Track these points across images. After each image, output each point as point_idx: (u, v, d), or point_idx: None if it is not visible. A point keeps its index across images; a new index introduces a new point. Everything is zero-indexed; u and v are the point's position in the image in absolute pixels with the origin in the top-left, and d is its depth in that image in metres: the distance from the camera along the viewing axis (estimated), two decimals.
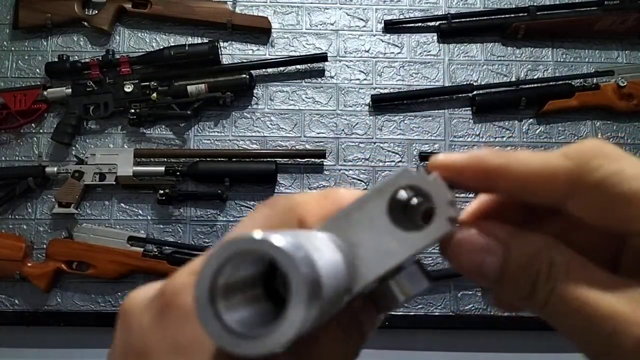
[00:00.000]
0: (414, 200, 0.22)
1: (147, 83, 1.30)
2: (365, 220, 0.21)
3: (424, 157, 1.31)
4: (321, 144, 1.32)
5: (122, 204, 1.29)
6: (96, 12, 1.35)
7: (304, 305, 0.16)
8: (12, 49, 1.35)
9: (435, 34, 1.38)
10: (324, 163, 1.31)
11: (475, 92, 1.33)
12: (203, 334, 0.19)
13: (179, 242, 1.27)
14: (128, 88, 1.29)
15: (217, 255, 0.17)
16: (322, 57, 1.32)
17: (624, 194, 0.19)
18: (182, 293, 0.20)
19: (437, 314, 1.26)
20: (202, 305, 0.17)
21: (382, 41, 1.37)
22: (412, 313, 1.25)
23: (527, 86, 1.34)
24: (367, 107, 1.34)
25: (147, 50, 1.34)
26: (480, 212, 0.24)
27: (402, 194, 0.22)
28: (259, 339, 0.16)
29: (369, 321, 0.23)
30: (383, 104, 1.34)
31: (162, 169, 1.26)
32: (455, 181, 0.22)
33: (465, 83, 1.35)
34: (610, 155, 0.20)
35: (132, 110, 1.28)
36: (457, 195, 0.22)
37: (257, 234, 0.17)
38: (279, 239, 0.16)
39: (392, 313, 1.24)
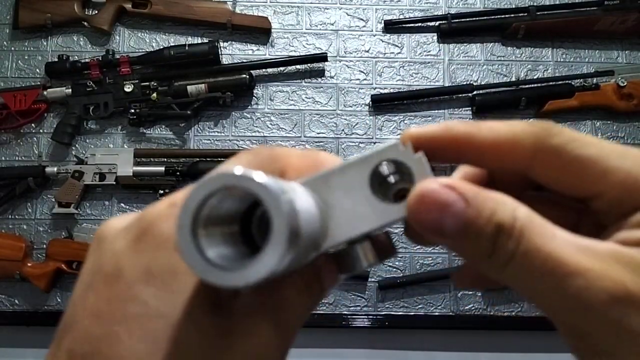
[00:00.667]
0: (395, 175, 0.23)
1: (147, 83, 1.30)
2: (345, 184, 0.22)
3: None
4: (321, 144, 1.32)
5: (122, 204, 1.29)
6: (96, 12, 1.35)
7: (283, 246, 0.16)
8: (12, 49, 1.35)
9: (435, 34, 1.38)
10: None
11: (475, 92, 1.33)
12: (176, 264, 0.19)
13: None
14: (128, 88, 1.29)
15: (203, 186, 0.17)
16: (322, 57, 1.32)
17: (581, 157, 0.20)
18: (160, 222, 0.20)
19: (437, 314, 1.26)
20: (184, 234, 0.17)
21: (382, 41, 1.37)
22: (412, 313, 1.25)
23: (527, 86, 1.34)
24: (367, 107, 1.34)
25: (147, 50, 1.34)
26: None
27: (385, 166, 0.22)
28: (235, 271, 0.17)
29: (329, 278, 0.23)
30: (383, 104, 1.34)
31: (162, 169, 1.26)
32: (431, 153, 0.22)
33: (465, 83, 1.35)
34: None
35: (132, 110, 1.28)
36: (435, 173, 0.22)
37: (248, 171, 0.17)
38: (267, 179, 0.17)
39: (392, 313, 1.24)
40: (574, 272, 0.18)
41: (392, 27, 1.37)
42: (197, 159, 1.28)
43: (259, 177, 0.17)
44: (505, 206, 0.19)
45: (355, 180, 0.22)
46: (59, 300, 1.25)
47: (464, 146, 0.22)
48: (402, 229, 0.25)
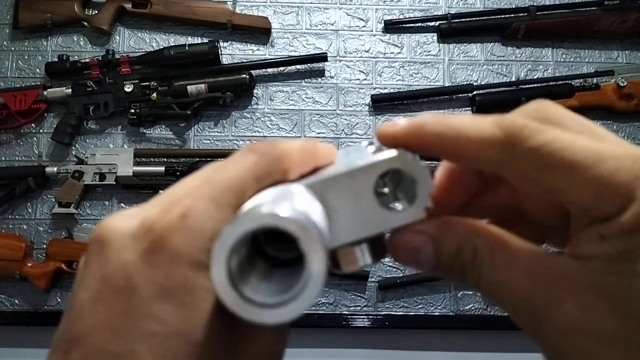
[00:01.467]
0: (398, 182, 0.23)
1: (147, 83, 1.30)
2: (351, 190, 0.22)
3: (424, 157, 1.31)
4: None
5: (122, 204, 1.29)
6: (96, 12, 1.35)
7: (323, 264, 0.17)
8: (12, 49, 1.35)
9: (435, 34, 1.38)
10: None
11: (475, 92, 1.33)
12: (193, 280, 0.19)
13: None
14: (128, 88, 1.29)
15: (238, 226, 0.18)
16: (322, 57, 1.32)
17: (552, 163, 0.20)
18: (172, 235, 0.20)
19: (437, 314, 1.26)
20: (225, 290, 0.18)
21: (382, 41, 1.37)
22: (412, 313, 1.25)
23: (527, 86, 1.34)
24: (367, 107, 1.34)
25: (147, 50, 1.34)
26: (443, 182, 0.25)
27: (390, 174, 0.23)
28: (278, 307, 0.18)
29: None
30: (383, 104, 1.34)
31: (162, 169, 1.26)
32: (410, 148, 0.23)
33: (465, 83, 1.35)
34: (544, 124, 0.21)
35: (132, 110, 1.28)
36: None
37: (281, 210, 0.17)
38: (299, 217, 0.17)
39: (392, 313, 1.24)
40: (522, 298, 0.20)
41: (392, 27, 1.37)
42: (197, 159, 1.28)
43: (295, 217, 0.17)
44: (467, 240, 0.22)
45: (360, 186, 0.22)
46: (59, 300, 1.25)
47: (434, 147, 0.22)
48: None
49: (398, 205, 0.23)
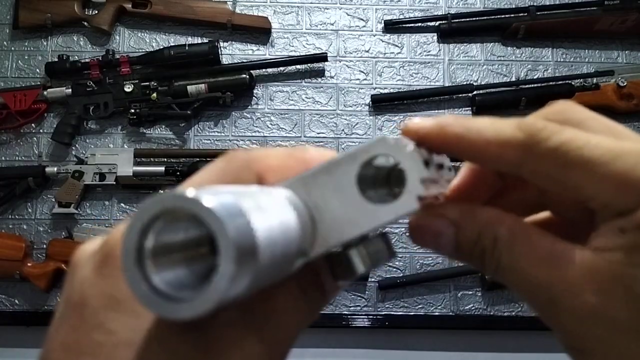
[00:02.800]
0: (385, 172, 0.22)
1: (147, 83, 1.30)
2: (333, 185, 0.21)
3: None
4: (321, 144, 1.32)
5: (122, 204, 1.29)
6: (96, 12, 1.35)
7: (231, 271, 0.15)
8: (12, 49, 1.35)
9: (435, 34, 1.38)
10: None
11: (475, 92, 1.33)
12: None
13: None
14: (128, 88, 1.29)
15: (141, 213, 0.16)
16: (322, 57, 1.32)
17: (571, 162, 0.20)
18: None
19: (437, 314, 1.26)
20: (128, 266, 0.16)
21: (382, 41, 1.37)
22: (412, 313, 1.25)
23: (527, 86, 1.34)
24: (367, 107, 1.34)
25: (147, 50, 1.34)
26: (465, 182, 0.26)
27: (375, 163, 0.21)
28: (184, 302, 0.16)
29: (331, 283, 0.23)
30: (383, 104, 1.34)
31: (162, 169, 1.26)
32: (432, 147, 0.23)
33: (465, 83, 1.35)
34: (564, 125, 0.21)
35: (132, 110, 1.28)
36: (435, 170, 0.22)
37: (189, 192, 0.15)
38: (210, 199, 0.15)
39: (392, 313, 1.24)
40: (542, 285, 0.21)
41: (392, 27, 1.37)
42: (197, 159, 1.28)
43: (200, 197, 0.15)
44: (488, 228, 0.22)
45: (343, 179, 0.21)
46: (59, 300, 1.25)
47: (455, 147, 0.23)
48: (404, 229, 0.25)
49: (387, 198, 0.21)
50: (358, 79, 1.35)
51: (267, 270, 0.17)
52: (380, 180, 0.22)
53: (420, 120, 0.23)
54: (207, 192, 0.16)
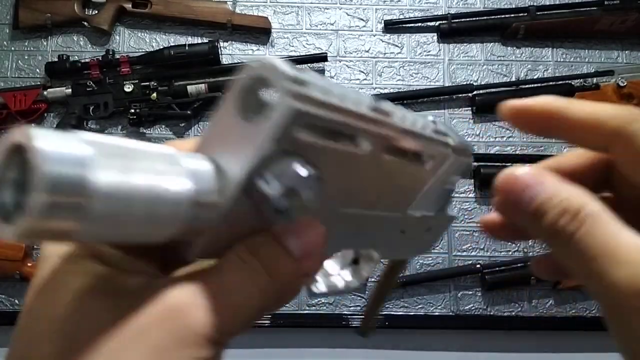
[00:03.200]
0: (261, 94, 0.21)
1: (147, 83, 1.30)
2: (221, 131, 0.21)
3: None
4: None
5: None
6: (96, 12, 1.35)
7: (37, 208, 0.16)
8: (12, 49, 1.35)
9: (435, 34, 1.38)
10: None
11: (475, 92, 1.33)
12: (60, 267, 0.21)
13: None
14: (128, 88, 1.29)
15: None
16: (322, 57, 1.32)
17: None
18: None
19: (437, 314, 1.26)
20: None
21: (382, 41, 1.37)
22: (412, 313, 1.25)
23: (527, 86, 1.34)
24: None
25: (147, 50, 1.34)
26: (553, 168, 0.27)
27: (253, 91, 0.21)
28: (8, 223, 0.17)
29: (286, 262, 0.22)
30: None
31: None
32: (524, 123, 0.25)
33: (465, 83, 1.35)
34: None
35: (132, 110, 1.28)
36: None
37: (32, 131, 0.16)
38: (46, 143, 0.16)
39: (392, 313, 1.24)
40: (622, 262, 0.20)
41: (392, 27, 1.37)
42: None
43: (41, 142, 0.16)
44: (576, 198, 0.22)
45: (226, 121, 0.20)
46: None
47: (554, 119, 0.24)
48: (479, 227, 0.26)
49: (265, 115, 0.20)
50: (358, 79, 1.35)
51: (125, 219, 0.18)
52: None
53: (524, 100, 0.26)
54: (56, 137, 0.16)
